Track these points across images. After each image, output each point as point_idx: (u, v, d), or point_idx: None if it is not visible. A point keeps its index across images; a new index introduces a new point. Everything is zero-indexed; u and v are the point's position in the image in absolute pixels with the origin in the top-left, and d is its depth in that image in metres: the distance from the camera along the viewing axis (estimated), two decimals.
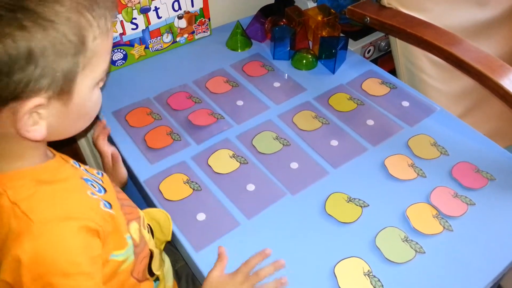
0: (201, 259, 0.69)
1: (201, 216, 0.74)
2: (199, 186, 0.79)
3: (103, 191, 0.58)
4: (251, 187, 0.79)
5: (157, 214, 0.72)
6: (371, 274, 0.66)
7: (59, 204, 0.49)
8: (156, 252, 0.68)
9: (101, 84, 0.53)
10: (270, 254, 0.67)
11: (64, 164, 0.56)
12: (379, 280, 0.66)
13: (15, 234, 0.46)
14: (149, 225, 0.70)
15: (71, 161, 0.59)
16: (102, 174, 0.63)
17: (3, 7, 0.40)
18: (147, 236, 0.66)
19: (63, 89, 0.46)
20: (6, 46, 0.40)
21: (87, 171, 0.60)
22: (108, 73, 0.53)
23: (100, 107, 0.55)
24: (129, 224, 0.60)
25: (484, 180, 0.79)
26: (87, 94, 0.49)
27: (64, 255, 0.47)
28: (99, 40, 0.47)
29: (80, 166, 0.60)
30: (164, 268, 0.72)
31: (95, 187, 0.57)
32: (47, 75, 0.43)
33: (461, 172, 0.80)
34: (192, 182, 0.80)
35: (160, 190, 0.78)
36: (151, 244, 0.67)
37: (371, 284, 0.65)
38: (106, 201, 0.56)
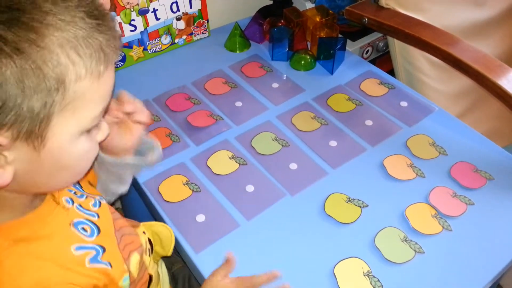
0: (201, 260, 0.69)
1: (200, 218, 0.74)
2: (199, 188, 0.79)
3: (96, 232, 0.52)
4: (250, 188, 0.79)
5: (159, 228, 0.69)
6: (370, 274, 0.66)
7: (31, 271, 0.44)
8: (154, 275, 0.66)
9: (99, 135, 0.47)
10: (278, 277, 0.64)
11: (52, 210, 0.50)
12: (378, 280, 0.66)
13: None
14: (149, 240, 0.67)
15: (65, 196, 0.52)
16: (100, 204, 0.57)
17: None
18: (148, 260, 0.63)
19: (33, 131, 0.39)
20: None
21: (81, 206, 0.54)
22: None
23: (91, 162, 0.47)
24: (130, 257, 0.57)
25: (482, 180, 0.79)
26: (67, 143, 0.42)
27: None
28: (85, 82, 0.40)
29: (73, 202, 0.53)
30: (160, 280, 0.71)
31: (86, 231, 0.51)
32: (9, 110, 0.37)
33: (459, 171, 0.81)
34: (192, 183, 0.80)
35: (159, 192, 0.78)
36: (151, 267, 0.65)
37: (371, 284, 0.65)
38: (98, 246, 0.51)
